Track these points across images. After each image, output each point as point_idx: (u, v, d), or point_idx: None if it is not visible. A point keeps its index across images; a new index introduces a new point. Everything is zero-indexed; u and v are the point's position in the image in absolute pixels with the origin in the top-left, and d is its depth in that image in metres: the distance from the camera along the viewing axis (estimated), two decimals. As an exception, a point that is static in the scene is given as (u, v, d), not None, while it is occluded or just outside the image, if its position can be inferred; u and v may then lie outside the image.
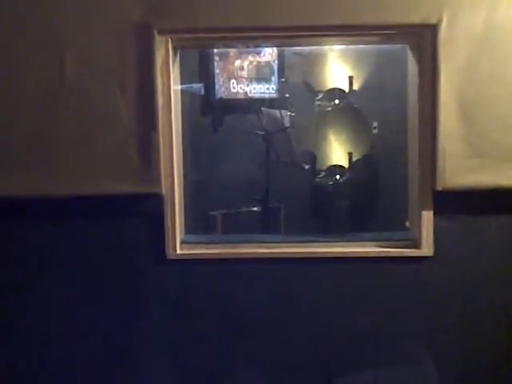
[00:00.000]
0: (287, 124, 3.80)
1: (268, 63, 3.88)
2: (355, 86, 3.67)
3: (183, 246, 2.86)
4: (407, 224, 2.99)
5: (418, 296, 2.80)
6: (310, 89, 3.73)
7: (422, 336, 2.82)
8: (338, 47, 3.58)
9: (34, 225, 2.82)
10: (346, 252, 2.82)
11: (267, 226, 3.92)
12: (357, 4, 2.60)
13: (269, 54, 3.85)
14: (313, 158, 3.67)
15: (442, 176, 2.62)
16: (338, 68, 3.70)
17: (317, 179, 3.68)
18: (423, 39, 2.63)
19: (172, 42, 2.69)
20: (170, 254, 2.80)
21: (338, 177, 3.61)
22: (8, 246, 2.84)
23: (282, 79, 3.88)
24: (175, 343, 2.87)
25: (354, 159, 3.57)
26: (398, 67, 3.13)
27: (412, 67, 2.81)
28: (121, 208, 2.78)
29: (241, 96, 3.88)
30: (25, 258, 2.84)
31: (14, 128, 2.67)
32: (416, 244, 2.78)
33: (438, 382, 2.83)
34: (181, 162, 2.90)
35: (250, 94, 3.89)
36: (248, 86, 3.88)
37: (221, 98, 3.82)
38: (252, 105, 3.85)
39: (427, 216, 2.73)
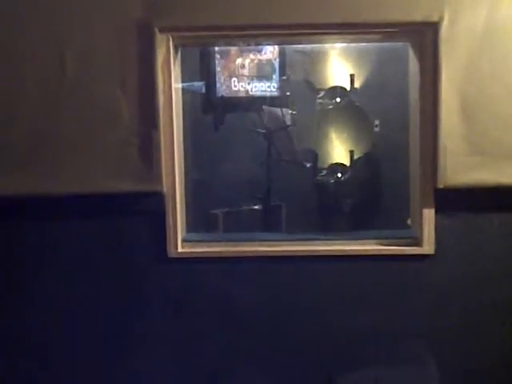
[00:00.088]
0: (288, 122, 3.79)
1: (269, 61, 3.88)
2: (356, 84, 3.67)
3: (184, 244, 2.86)
4: (408, 222, 2.99)
5: (419, 294, 2.80)
6: (311, 87, 3.73)
7: (422, 334, 2.82)
8: (339, 45, 3.57)
9: (34, 224, 2.83)
10: (348, 250, 2.82)
11: (269, 224, 3.92)
12: (358, 2, 2.60)
13: (270, 52, 3.84)
14: (314, 157, 3.67)
15: (443, 174, 2.62)
16: (340, 66, 3.70)
17: (318, 177, 3.68)
18: (424, 37, 2.63)
19: (173, 40, 2.69)
20: (171, 253, 2.80)
21: (339, 175, 3.61)
22: (8, 244, 2.84)
23: (284, 77, 3.87)
24: (176, 341, 2.87)
25: (356, 157, 3.57)
26: (399, 65, 3.13)
27: (413, 65, 2.80)
28: (122, 206, 2.78)
29: (242, 94, 3.87)
30: (25, 257, 2.84)
31: (14, 127, 2.67)
32: (417, 242, 2.78)
33: (439, 380, 2.83)
34: (182, 160, 2.90)
35: (251, 92, 3.88)
36: (249, 84, 3.87)
37: (222, 96, 3.82)
38: (253, 103, 3.85)
39: (428, 214, 2.73)
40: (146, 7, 2.61)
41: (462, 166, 2.61)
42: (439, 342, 2.81)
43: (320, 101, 3.67)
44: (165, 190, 2.72)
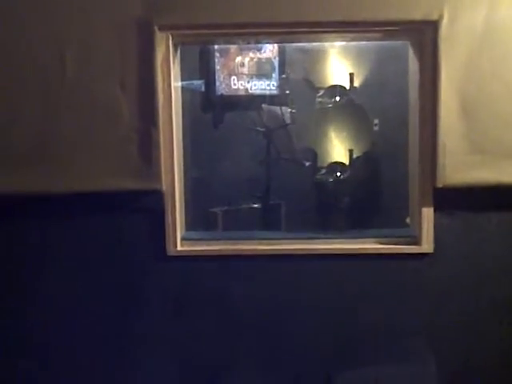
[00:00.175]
0: (288, 121, 3.79)
1: (269, 60, 3.87)
2: (356, 83, 3.67)
3: (184, 242, 2.86)
4: (407, 221, 2.99)
5: (419, 293, 2.80)
6: (310, 85, 3.72)
7: (422, 333, 2.82)
8: (338, 44, 3.57)
9: (34, 222, 2.83)
10: (347, 249, 2.82)
11: (268, 222, 3.92)
12: (358, 0, 2.60)
13: (269, 50, 3.84)
14: (313, 155, 3.67)
15: (442, 173, 2.62)
16: (339, 65, 3.69)
17: (317, 176, 3.67)
18: (424, 36, 2.63)
19: (172, 38, 2.69)
20: (170, 251, 2.80)
21: (338, 174, 3.61)
22: (9, 243, 2.84)
23: (283, 76, 3.87)
24: (175, 340, 2.87)
25: (355, 156, 3.56)
26: (398, 64, 3.13)
27: (413, 64, 2.80)
28: (121, 204, 2.78)
29: (241, 92, 3.86)
30: (26, 255, 2.84)
31: (14, 126, 2.67)
32: (416, 241, 2.79)
33: (438, 379, 2.83)
34: (181, 158, 2.90)
35: (250, 91, 3.87)
36: (249, 82, 3.87)
37: (221, 95, 3.81)
38: (252, 101, 3.84)
39: (427, 213, 2.74)
40: (145, 5, 2.60)
41: (461, 165, 2.61)
42: (438, 341, 2.81)
43: (319, 99, 3.67)
44: (164, 188, 2.72)
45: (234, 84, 3.84)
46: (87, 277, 2.85)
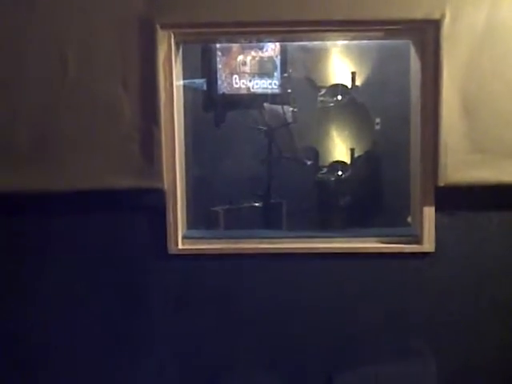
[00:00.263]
0: (289, 120, 3.79)
1: (271, 58, 3.87)
2: (358, 82, 3.66)
3: (185, 241, 2.86)
4: (409, 220, 2.99)
5: (419, 292, 2.80)
6: (312, 84, 3.72)
7: (422, 332, 2.82)
8: (340, 42, 3.57)
9: (35, 220, 2.83)
10: (348, 248, 2.83)
11: (269, 221, 3.92)
12: (360, -1, 2.60)
13: (271, 49, 3.84)
14: (315, 154, 3.67)
15: (443, 172, 2.62)
16: (341, 64, 3.69)
17: (319, 175, 3.67)
18: (426, 35, 2.63)
19: (174, 37, 2.69)
20: (171, 249, 2.81)
21: (340, 173, 3.61)
22: (9, 241, 2.84)
23: (285, 75, 3.87)
24: (176, 338, 2.88)
25: (357, 155, 3.56)
26: (400, 63, 3.13)
27: (414, 63, 2.80)
28: (122, 203, 2.79)
29: (243, 91, 3.86)
30: (26, 253, 2.85)
31: (16, 124, 2.67)
32: (417, 240, 2.79)
33: (439, 378, 2.83)
34: (183, 157, 2.91)
35: (252, 90, 3.87)
36: (250, 81, 3.86)
37: (223, 94, 3.81)
38: (254, 100, 3.84)
39: (429, 212, 2.74)
40: (147, 4, 2.61)
41: (462, 164, 2.61)
42: (439, 340, 2.81)
43: (321, 98, 3.67)
44: (165, 186, 2.72)
45: (236, 83, 3.84)
46: (88, 275, 2.85)
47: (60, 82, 2.65)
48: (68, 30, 2.63)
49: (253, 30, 2.75)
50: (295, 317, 2.86)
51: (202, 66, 3.77)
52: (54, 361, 2.89)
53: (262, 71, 3.88)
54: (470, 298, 2.78)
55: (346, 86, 3.64)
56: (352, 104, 3.64)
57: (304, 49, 3.74)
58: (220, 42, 3.62)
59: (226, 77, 3.81)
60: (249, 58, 3.85)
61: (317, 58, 3.69)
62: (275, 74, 3.90)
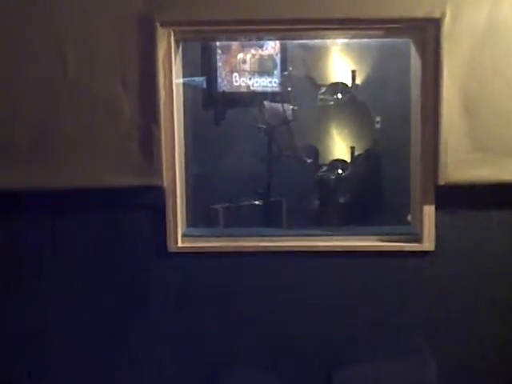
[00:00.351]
0: (289, 118, 3.79)
1: (270, 56, 3.86)
2: (358, 81, 3.66)
3: (184, 239, 2.86)
4: (409, 218, 2.99)
5: (419, 290, 2.80)
6: (312, 83, 3.72)
7: (422, 330, 2.82)
8: (341, 41, 3.57)
9: (35, 218, 2.83)
10: (348, 246, 2.82)
11: (269, 219, 3.92)
12: (360, -2, 2.59)
13: (271, 47, 3.83)
14: (315, 153, 3.67)
15: (444, 170, 2.62)
16: (341, 62, 3.69)
17: (319, 173, 3.68)
18: (426, 33, 2.63)
19: (174, 35, 2.69)
20: (171, 247, 2.80)
21: (340, 171, 3.61)
22: (8, 239, 2.84)
23: (285, 73, 3.87)
24: (176, 336, 2.87)
25: (357, 154, 3.56)
26: (400, 61, 3.12)
27: (415, 61, 2.80)
28: (122, 201, 2.78)
29: (243, 89, 3.86)
30: (25, 251, 2.84)
31: (16, 123, 2.67)
32: (418, 238, 2.78)
33: (438, 376, 2.83)
34: (182, 155, 2.90)
35: (252, 88, 3.87)
36: (250, 79, 3.86)
37: (223, 92, 3.81)
38: (254, 98, 3.84)
39: (429, 210, 2.73)
40: (146, 1, 2.60)
41: (463, 163, 2.61)
42: (438, 338, 2.81)
43: (321, 97, 3.67)
44: (165, 184, 2.72)
45: (236, 81, 3.84)
46: (87, 273, 2.85)
47: (59, 81, 2.64)
48: (67, 28, 2.63)
49: (253, 28, 2.74)
50: (295, 315, 2.86)
51: (202, 63, 3.77)
52: (53, 359, 2.89)
53: (262, 69, 3.88)
54: (469, 296, 2.78)
55: (346, 85, 3.64)
56: (352, 102, 3.64)
57: (304, 47, 3.74)
58: (220, 40, 3.62)
59: (225, 75, 3.81)
60: (249, 56, 3.85)
61: (317, 57, 3.69)
62: (275, 72, 3.90)
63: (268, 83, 3.90)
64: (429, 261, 2.77)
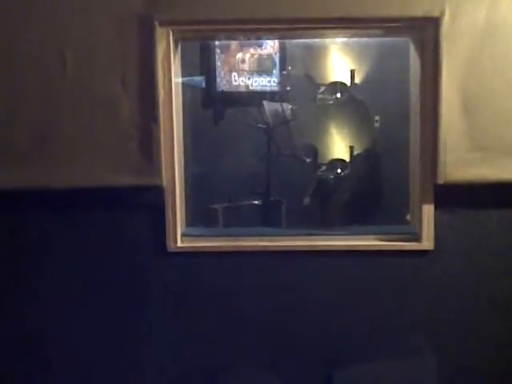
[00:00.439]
0: (288, 117, 3.78)
1: (270, 56, 3.86)
2: (357, 80, 3.65)
3: (184, 238, 2.86)
4: (408, 218, 2.99)
5: (419, 290, 2.80)
6: (311, 82, 3.71)
7: (422, 330, 2.82)
8: (340, 40, 3.56)
9: (34, 218, 2.83)
10: (347, 245, 2.83)
11: (268, 219, 3.91)
12: (359, -3, 2.59)
13: (270, 46, 3.83)
14: (314, 152, 3.66)
15: (443, 170, 2.62)
16: (340, 61, 3.68)
17: (318, 173, 3.67)
18: (425, 33, 2.63)
19: (173, 34, 2.69)
20: (170, 247, 2.80)
21: (339, 170, 3.61)
22: (8, 238, 2.84)
23: (284, 72, 3.86)
24: (175, 336, 2.87)
25: (356, 153, 3.56)
26: (400, 61, 3.12)
27: (414, 61, 2.80)
28: (121, 200, 2.78)
29: (242, 89, 3.85)
30: (25, 250, 2.84)
31: (15, 122, 2.67)
32: (417, 238, 2.79)
33: (438, 375, 2.83)
34: (181, 154, 2.90)
35: (251, 87, 3.86)
36: (249, 78, 3.85)
37: (222, 91, 3.80)
38: (253, 98, 3.83)
39: (428, 210, 2.74)
40: (145, 1, 2.60)
41: (462, 162, 2.61)
42: (438, 338, 2.82)
43: (320, 96, 3.66)
44: (164, 184, 2.72)
45: (235, 80, 3.83)
46: (87, 272, 2.85)
47: (59, 81, 2.65)
48: (66, 28, 2.63)
49: (252, 28, 2.74)
50: (294, 315, 2.86)
51: (201, 63, 3.76)
52: (53, 359, 2.89)
53: (261, 69, 3.87)
54: (469, 295, 2.78)
55: (346, 84, 3.64)
56: (351, 102, 3.63)
57: (303, 46, 3.73)
58: (219, 40, 3.62)
59: (224, 74, 3.81)
60: (248, 56, 3.85)
61: (316, 56, 3.68)
62: (274, 71, 3.89)
63: (267, 83, 3.89)
64: (428, 260, 2.77)
